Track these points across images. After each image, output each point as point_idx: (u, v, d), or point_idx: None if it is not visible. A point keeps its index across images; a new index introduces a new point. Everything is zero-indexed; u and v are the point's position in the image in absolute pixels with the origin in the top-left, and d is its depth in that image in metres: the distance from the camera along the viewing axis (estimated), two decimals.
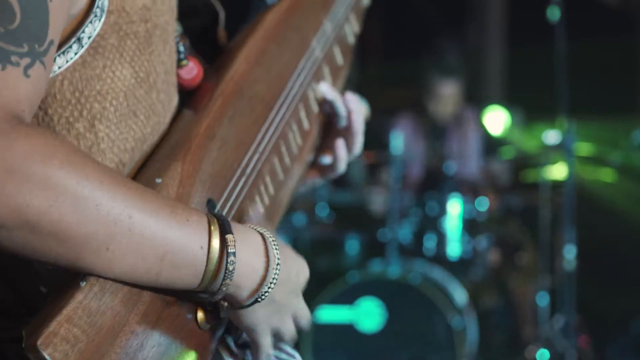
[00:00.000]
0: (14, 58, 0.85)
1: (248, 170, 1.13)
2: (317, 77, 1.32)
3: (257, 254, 0.98)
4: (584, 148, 4.79)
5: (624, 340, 4.78)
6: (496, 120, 5.58)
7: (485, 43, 6.71)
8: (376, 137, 4.76)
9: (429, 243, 4.55)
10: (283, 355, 1.20)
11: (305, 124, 1.29)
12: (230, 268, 0.94)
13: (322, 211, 4.90)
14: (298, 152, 1.27)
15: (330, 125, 1.37)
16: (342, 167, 1.37)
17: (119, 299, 0.90)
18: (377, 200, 4.81)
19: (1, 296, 1.01)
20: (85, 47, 0.97)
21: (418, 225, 4.56)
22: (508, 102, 6.04)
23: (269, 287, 0.98)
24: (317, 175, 1.39)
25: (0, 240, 0.84)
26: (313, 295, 4.28)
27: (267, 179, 1.18)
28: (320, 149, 1.37)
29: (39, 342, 0.81)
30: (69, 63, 0.96)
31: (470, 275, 4.74)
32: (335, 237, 4.92)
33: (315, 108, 1.32)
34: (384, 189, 4.73)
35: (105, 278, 0.89)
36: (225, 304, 1.00)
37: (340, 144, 1.34)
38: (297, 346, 3.90)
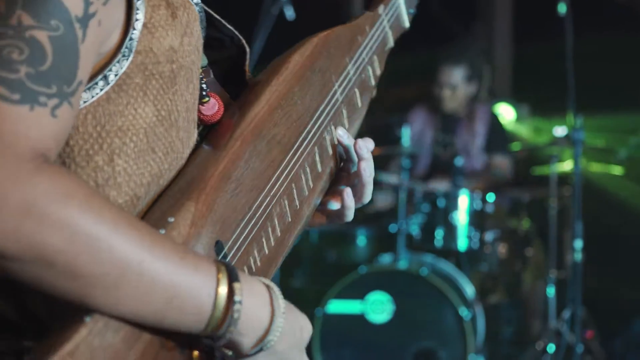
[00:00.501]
0: (42, 99, 0.89)
1: (258, 214, 1.14)
2: (335, 120, 1.32)
3: (263, 305, 1.00)
4: (591, 142, 4.81)
5: (631, 334, 4.81)
6: (503, 115, 5.62)
7: (493, 40, 6.73)
8: (387, 132, 4.79)
9: (438, 236, 4.58)
10: None
11: (319, 167, 1.29)
12: (236, 316, 0.96)
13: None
14: (308, 194, 1.27)
15: (340, 170, 1.36)
16: (350, 215, 1.34)
17: (120, 337, 0.92)
18: (380, 199, 4.84)
19: (4, 310, 1.03)
20: (111, 84, 1.00)
21: (427, 219, 4.59)
22: (515, 98, 6.07)
23: (273, 337, 1.00)
24: (323, 220, 1.36)
25: (15, 272, 0.87)
26: (324, 287, 4.32)
27: (275, 221, 1.18)
28: (329, 193, 1.35)
29: None
30: (94, 99, 0.99)
31: (479, 268, 4.77)
32: (346, 231, 4.94)
33: (330, 151, 1.32)
34: (387, 187, 4.76)
35: (110, 316, 0.91)
36: (230, 352, 1.02)
37: (348, 192, 1.31)
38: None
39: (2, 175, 0.85)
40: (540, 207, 4.82)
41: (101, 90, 0.99)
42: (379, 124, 5.06)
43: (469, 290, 4.53)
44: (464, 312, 4.18)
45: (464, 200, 4.57)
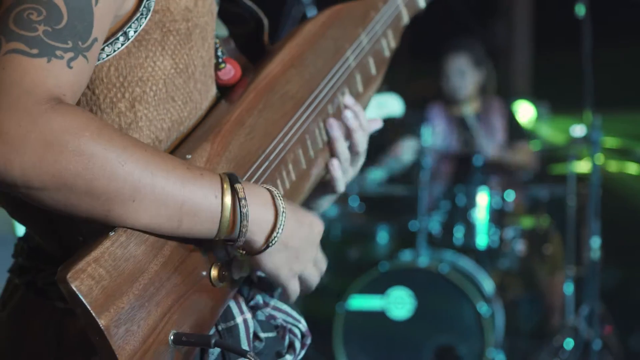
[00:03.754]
0: (58, 52, 1.01)
1: (272, 157, 1.25)
2: (349, 83, 1.42)
3: (265, 204, 1.12)
4: (609, 142, 4.86)
5: None
6: (523, 114, 5.67)
7: (513, 40, 6.78)
8: (408, 128, 4.86)
9: (458, 233, 4.66)
10: (290, 319, 1.31)
11: None
12: (244, 211, 1.08)
13: (354, 202, 5.01)
14: (322, 147, 1.37)
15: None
16: (337, 186, 1.41)
17: (142, 250, 1.04)
18: (408, 149, 4.89)
19: (49, 246, 1.19)
20: (131, 39, 1.12)
21: (447, 216, 4.67)
22: (535, 97, 6.11)
23: (278, 232, 1.11)
24: (320, 191, 1.44)
25: (44, 200, 0.99)
26: (345, 284, 4.41)
27: (290, 167, 1.29)
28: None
29: (68, 276, 0.97)
30: (116, 52, 1.12)
31: (498, 265, 4.84)
32: (367, 228, 5.01)
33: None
34: (414, 141, 4.79)
35: (132, 230, 1.04)
36: (244, 252, 1.13)
37: (333, 163, 1.39)
38: (327, 332, 4.04)
39: (22, 116, 0.96)
40: (559, 205, 4.87)
41: (122, 45, 1.12)
42: (398, 120, 5.14)
43: (488, 286, 4.60)
44: (482, 308, 4.25)
45: (483, 198, 4.64)
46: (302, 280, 1.22)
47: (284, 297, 1.23)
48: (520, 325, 5.09)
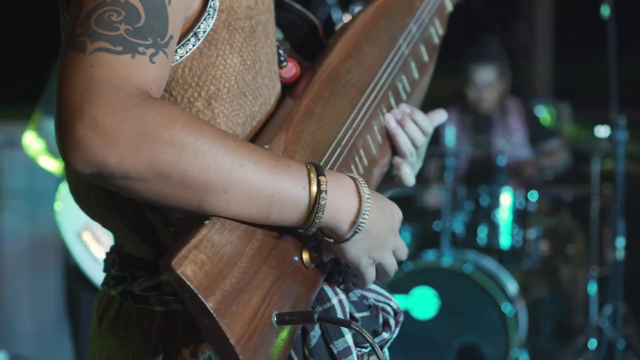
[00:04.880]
0: (141, 49, 1.05)
1: (343, 142, 1.28)
2: (405, 70, 1.46)
3: (350, 193, 1.14)
4: (633, 141, 4.86)
5: None
6: (544, 115, 5.68)
7: (534, 41, 6.79)
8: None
9: (482, 233, 4.68)
10: (381, 298, 1.33)
11: (395, 108, 1.44)
12: (322, 203, 1.10)
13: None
14: (384, 141, 1.40)
15: None
16: (407, 180, 1.44)
17: (237, 235, 1.07)
18: (432, 194, 4.92)
19: (144, 251, 1.22)
20: (201, 39, 1.16)
21: (471, 217, 4.69)
22: (556, 98, 6.12)
23: (363, 219, 1.14)
24: (392, 184, 1.48)
25: (140, 191, 1.03)
26: None
27: (361, 152, 1.33)
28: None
29: (173, 263, 1.00)
30: (189, 53, 1.16)
31: (521, 265, 4.85)
32: None
33: (404, 97, 1.46)
34: (438, 183, 4.83)
35: (225, 218, 1.07)
36: (331, 240, 1.16)
37: (396, 159, 1.43)
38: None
39: (116, 109, 1.00)
40: (582, 205, 4.88)
41: (193, 45, 1.16)
42: None
43: (512, 286, 4.61)
44: (507, 308, 4.27)
45: (506, 199, 4.66)
46: (380, 268, 1.23)
47: (360, 284, 1.24)
48: (543, 325, 5.10)
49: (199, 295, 1.00)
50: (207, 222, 1.05)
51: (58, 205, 3.48)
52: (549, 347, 5.06)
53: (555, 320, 5.21)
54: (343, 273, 1.29)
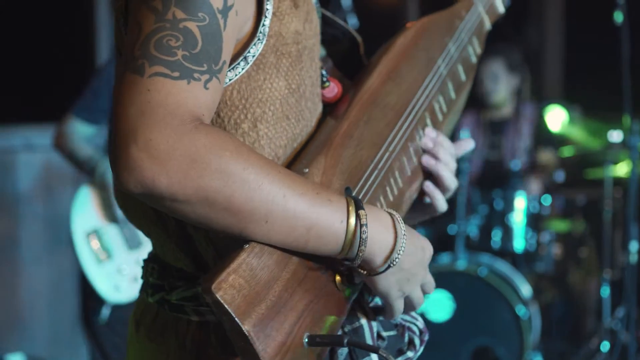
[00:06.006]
0: (196, 75, 1.09)
1: (380, 165, 1.31)
2: (442, 90, 1.48)
3: (387, 228, 1.18)
4: None
5: None
6: (555, 118, 5.70)
7: (545, 44, 6.80)
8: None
9: (496, 237, 4.71)
10: (408, 318, 1.38)
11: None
12: (364, 237, 1.14)
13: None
14: (418, 164, 1.42)
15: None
16: (439, 205, 1.45)
17: (274, 260, 1.11)
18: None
19: (182, 262, 1.26)
20: (250, 64, 1.20)
21: (485, 220, 4.73)
22: (567, 101, 6.13)
23: (398, 255, 1.17)
24: (422, 213, 1.49)
25: (186, 213, 1.07)
26: None
27: (397, 174, 1.35)
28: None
29: (213, 286, 1.04)
30: (238, 76, 1.20)
31: (535, 268, 4.88)
32: None
33: (440, 118, 1.48)
34: None
35: (263, 243, 1.11)
36: (364, 272, 1.19)
37: (427, 184, 1.44)
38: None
39: (169, 134, 1.04)
40: (595, 209, 4.91)
41: (242, 69, 1.19)
42: None
43: (525, 289, 4.64)
44: (521, 310, 4.30)
45: (520, 202, 4.70)
46: (407, 301, 1.27)
47: (388, 315, 1.28)
48: (555, 328, 5.13)
49: (237, 319, 1.04)
50: (247, 246, 1.09)
51: (74, 207, 3.53)
52: (562, 349, 5.09)
53: (568, 322, 5.24)
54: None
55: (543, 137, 5.14)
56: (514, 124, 5.13)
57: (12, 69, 5.37)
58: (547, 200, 4.80)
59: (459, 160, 4.56)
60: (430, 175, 1.44)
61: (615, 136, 4.54)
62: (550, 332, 5.04)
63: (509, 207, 4.68)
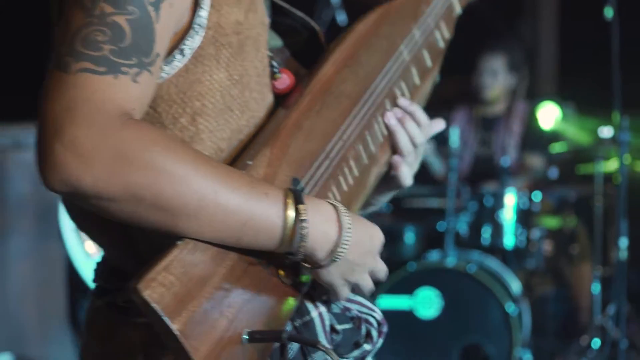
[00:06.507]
0: (124, 69, 1.07)
1: (332, 155, 1.28)
2: (405, 77, 1.44)
3: (329, 221, 1.15)
4: (637, 142, 4.86)
5: None
6: (548, 115, 5.68)
7: (539, 41, 6.79)
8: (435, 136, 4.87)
9: (485, 234, 4.69)
10: (364, 310, 1.34)
11: None
12: (304, 232, 1.11)
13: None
14: (383, 141, 1.39)
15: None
16: (403, 179, 1.43)
17: (209, 256, 1.08)
18: (437, 162, 4.92)
19: (128, 264, 1.23)
20: (188, 57, 1.17)
21: (474, 217, 4.70)
22: (561, 98, 6.12)
23: (342, 249, 1.15)
24: (388, 185, 1.46)
25: (113, 211, 1.05)
26: (374, 283, 4.43)
27: (352, 163, 1.32)
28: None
29: (139, 285, 1.01)
30: (175, 70, 1.16)
31: (525, 265, 4.86)
32: (395, 229, 5.04)
33: None
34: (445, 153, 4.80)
35: (198, 240, 1.08)
36: (308, 265, 1.17)
37: (396, 158, 1.42)
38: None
39: (95, 131, 1.02)
40: (586, 205, 4.89)
41: (179, 62, 1.16)
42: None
43: (515, 286, 4.62)
44: (510, 307, 4.28)
45: (510, 199, 4.67)
46: (355, 287, 1.24)
47: (333, 300, 1.26)
48: (547, 325, 5.11)
49: (164, 319, 1.01)
50: (180, 242, 1.07)
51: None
52: (552, 346, 5.07)
53: (559, 319, 5.22)
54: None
55: (531, 139, 5.10)
56: (505, 121, 5.11)
57: (2, 67, 5.35)
58: (537, 196, 4.77)
59: (449, 157, 4.56)
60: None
61: (606, 132, 4.52)
62: (542, 329, 5.02)
63: (498, 203, 4.65)
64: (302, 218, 1.12)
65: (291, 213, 1.12)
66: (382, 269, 1.26)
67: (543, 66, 6.75)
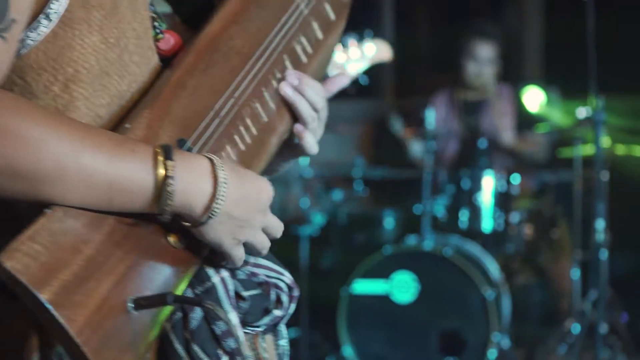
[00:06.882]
0: None
1: (222, 113, 1.21)
2: (304, 31, 1.37)
3: (203, 176, 1.09)
4: (616, 123, 4.82)
5: None
6: (533, 99, 5.64)
7: (524, 25, 6.73)
8: (413, 114, 4.86)
9: (463, 217, 4.64)
10: (273, 274, 1.28)
11: None
12: (169, 189, 1.05)
13: (358, 186, 5.01)
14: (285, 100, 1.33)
15: None
16: (309, 148, 1.37)
17: (82, 222, 1.02)
18: (416, 147, 4.89)
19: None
20: (54, 21, 1.09)
21: (452, 200, 4.65)
22: (545, 81, 6.07)
23: (218, 203, 1.09)
24: (292, 153, 1.40)
25: None
26: (350, 268, 4.41)
27: (248, 121, 1.25)
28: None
29: (1, 257, 0.95)
30: (41, 36, 1.09)
31: (504, 249, 4.82)
32: (372, 213, 5.01)
33: (304, 59, 1.37)
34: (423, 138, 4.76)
35: (69, 206, 1.02)
36: (188, 224, 1.10)
37: (298, 127, 1.35)
38: (332, 316, 4.02)
39: None
40: (566, 189, 4.85)
41: (46, 27, 1.09)
42: (407, 108, 5.12)
43: (494, 271, 4.57)
44: (487, 292, 4.24)
45: (488, 182, 4.62)
46: (249, 246, 1.19)
47: (230, 264, 1.19)
48: (527, 310, 5.07)
49: (31, 288, 0.96)
50: (48, 210, 1.01)
51: None
52: (532, 332, 5.03)
53: (540, 304, 5.18)
54: None
55: (525, 120, 5.09)
56: (491, 105, 5.08)
57: None
58: (516, 179, 4.72)
59: (427, 139, 4.51)
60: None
61: (584, 113, 4.46)
62: (522, 315, 4.98)
63: (476, 186, 4.60)
64: (168, 175, 1.06)
65: (161, 171, 1.06)
66: (276, 226, 1.20)
67: (528, 50, 6.69)
